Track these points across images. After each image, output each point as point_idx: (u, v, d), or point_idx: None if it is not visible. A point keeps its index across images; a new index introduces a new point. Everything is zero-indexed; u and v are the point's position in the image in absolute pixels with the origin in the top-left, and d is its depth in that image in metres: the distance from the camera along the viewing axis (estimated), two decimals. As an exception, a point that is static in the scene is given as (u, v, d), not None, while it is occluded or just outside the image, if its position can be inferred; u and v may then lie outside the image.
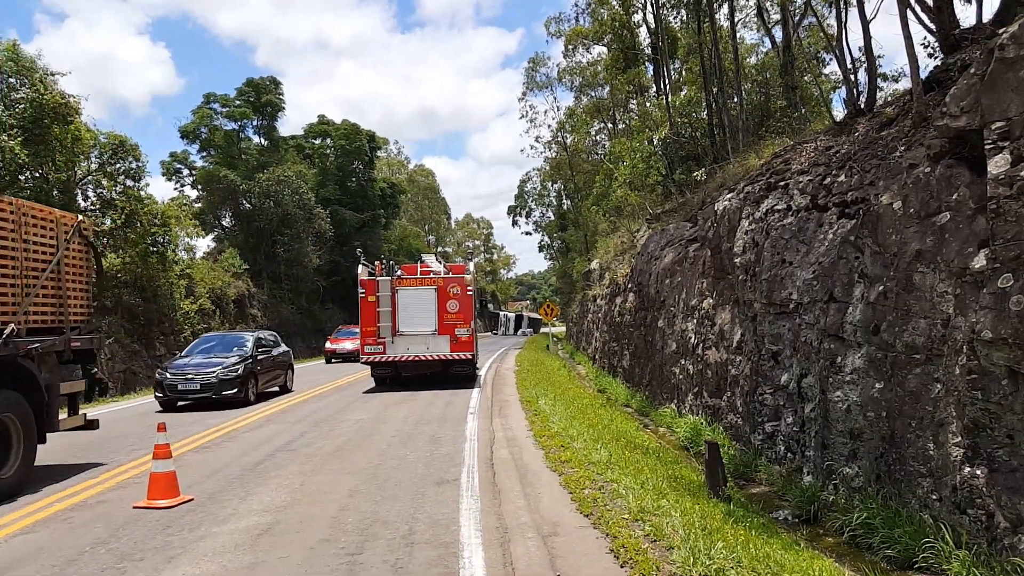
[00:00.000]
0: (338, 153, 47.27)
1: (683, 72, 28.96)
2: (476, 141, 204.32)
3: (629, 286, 20.81)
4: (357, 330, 25.68)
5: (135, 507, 6.97)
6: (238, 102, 42.65)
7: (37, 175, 19.41)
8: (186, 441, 10.85)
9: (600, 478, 7.71)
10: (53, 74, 19.94)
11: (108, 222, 22.96)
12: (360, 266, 17.62)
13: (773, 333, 10.40)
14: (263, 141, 45.22)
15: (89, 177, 22.37)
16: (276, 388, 17.44)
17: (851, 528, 7.32)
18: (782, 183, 11.22)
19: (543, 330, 69.00)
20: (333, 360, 29.36)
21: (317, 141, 48.87)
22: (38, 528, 6.46)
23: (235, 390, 14.89)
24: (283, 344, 18.76)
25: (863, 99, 11.06)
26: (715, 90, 22.33)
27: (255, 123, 44.40)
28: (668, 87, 27.17)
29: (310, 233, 38.92)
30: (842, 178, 9.36)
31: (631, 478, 7.68)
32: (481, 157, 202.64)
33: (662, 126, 22.04)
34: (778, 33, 23.15)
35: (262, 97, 43.00)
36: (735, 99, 22.20)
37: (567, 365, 27.96)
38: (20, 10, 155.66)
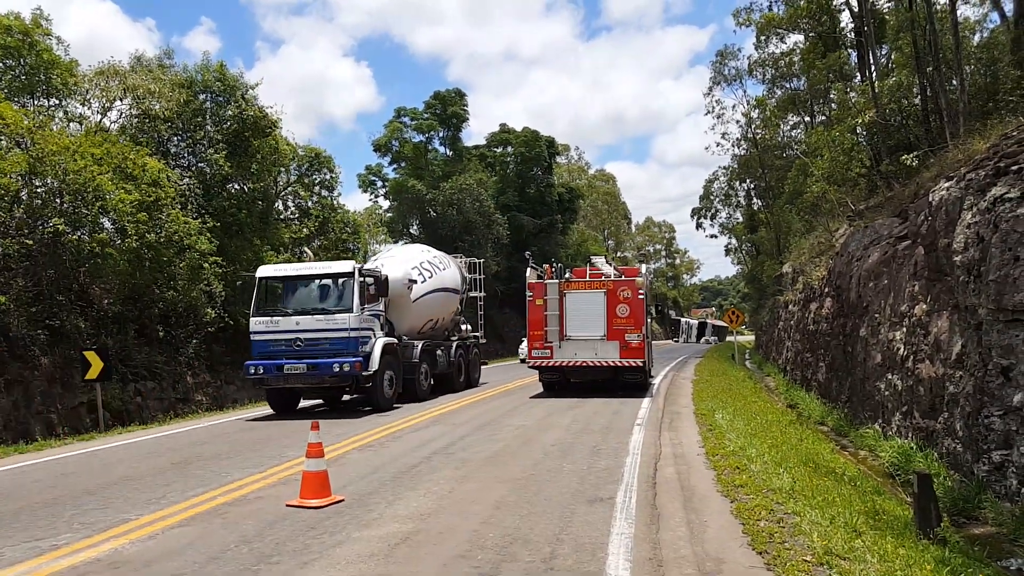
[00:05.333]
0: (518, 160, 48.05)
1: (891, 55, 25.88)
2: (662, 143, 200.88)
3: (826, 290, 18.71)
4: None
5: (287, 505, 6.99)
6: (426, 115, 44.77)
7: (238, 187, 21.31)
8: (354, 439, 11.07)
9: (780, 508, 6.60)
10: (252, 88, 21.85)
11: (305, 230, 24.83)
12: (529, 269, 17.34)
13: (1003, 344, 8.55)
14: (448, 151, 47.11)
15: (288, 188, 24.29)
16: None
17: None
18: (1015, 167, 9.26)
19: (728, 338, 65.71)
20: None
21: (498, 149, 50.04)
22: (194, 522, 6.61)
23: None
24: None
25: None
26: (929, 69, 19.53)
27: (441, 134, 46.37)
28: (874, 72, 24.37)
29: (489, 239, 39.77)
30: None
31: (818, 511, 6.49)
32: (666, 159, 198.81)
33: (867, 111, 19.60)
34: (1008, 5, 19.85)
35: (448, 109, 44.78)
36: (954, 81, 19.30)
37: (753, 376, 25.93)
38: (243, 39, 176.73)
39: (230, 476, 8.53)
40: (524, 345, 28.43)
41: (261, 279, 14.60)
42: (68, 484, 8.51)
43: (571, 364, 16.51)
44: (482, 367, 22.54)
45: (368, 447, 10.38)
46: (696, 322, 77.40)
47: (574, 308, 16.49)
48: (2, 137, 15.82)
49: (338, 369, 13.54)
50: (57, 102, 19.40)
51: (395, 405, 15.21)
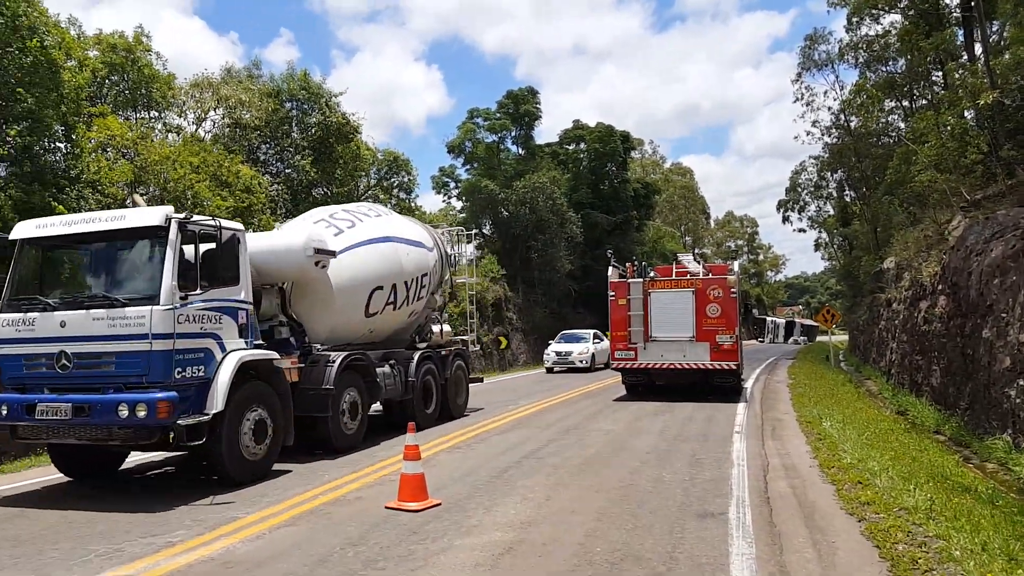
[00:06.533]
0: (591, 156, 47.28)
1: (1004, 31, 23.93)
2: (740, 134, 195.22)
3: (939, 288, 17.32)
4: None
5: (387, 507, 6.85)
6: (498, 115, 44.58)
7: (323, 191, 21.64)
8: (440, 440, 10.87)
9: (919, 531, 5.89)
10: (336, 96, 22.19)
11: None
12: (610, 268, 16.76)
13: None
14: (520, 150, 46.81)
15: (369, 191, 24.54)
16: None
17: None
18: None
19: (820, 338, 62.85)
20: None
21: (571, 146, 49.39)
22: (299, 521, 6.57)
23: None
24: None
25: None
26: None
27: (513, 133, 46.10)
28: (987, 51, 22.58)
29: (562, 238, 39.25)
30: None
31: (967, 536, 5.75)
32: (745, 151, 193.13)
33: (984, 92, 18.02)
34: None
35: (520, 107, 44.47)
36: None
37: (852, 380, 24.49)
38: (320, 48, 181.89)
39: (328, 475, 8.50)
40: (551, 349, 26.74)
41: (18, 243, 8.21)
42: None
43: (657, 367, 15.86)
44: (485, 380, 17.73)
45: (456, 448, 10.15)
46: (783, 321, 74.42)
47: (660, 308, 15.82)
48: (109, 149, 16.49)
49: (126, 414, 7.11)
50: (157, 114, 20.22)
51: (279, 468, 8.75)
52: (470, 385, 14.71)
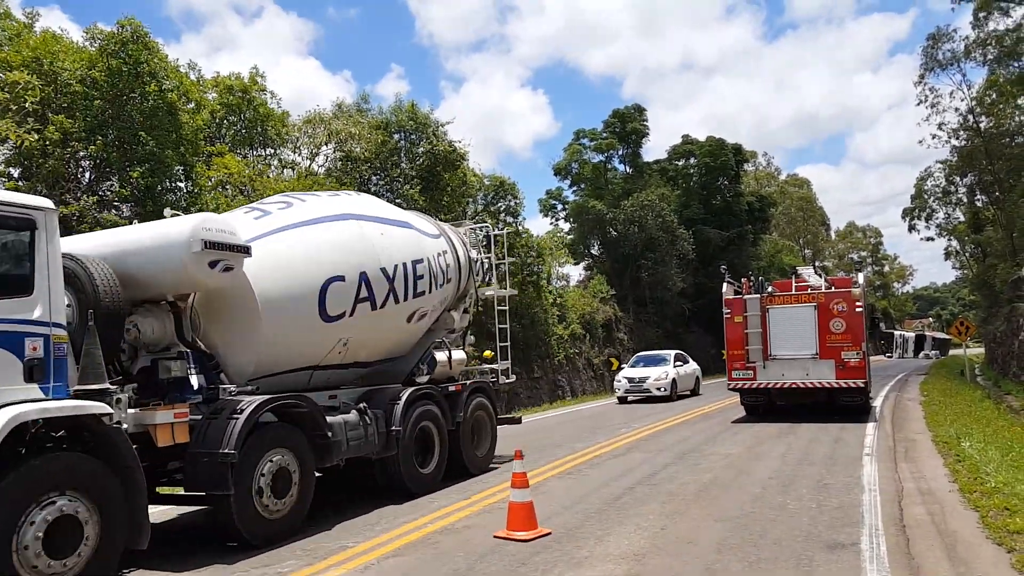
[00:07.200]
0: (702, 171, 46.29)
1: None
2: (859, 142, 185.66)
3: (1089, 294, 15.77)
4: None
5: (495, 536, 6.82)
6: (604, 134, 44.54)
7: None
8: (552, 465, 10.84)
9: (1079, 565, 5.35)
10: (443, 125, 22.80)
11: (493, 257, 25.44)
12: (725, 284, 16.28)
13: None
14: (627, 169, 46.48)
15: (476, 216, 25.07)
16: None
17: None
18: None
19: (953, 352, 58.32)
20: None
21: (680, 162, 48.57)
22: (407, 551, 6.62)
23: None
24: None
25: None
26: None
27: (620, 152, 45.90)
28: None
29: (673, 255, 38.49)
30: None
31: None
32: (865, 158, 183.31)
33: None
34: None
35: (627, 126, 44.26)
36: None
37: (991, 395, 22.52)
38: (429, 80, 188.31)
39: (437, 503, 8.59)
40: (622, 374, 22.75)
41: None
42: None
43: (778, 386, 15.20)
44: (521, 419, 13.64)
45: (567, 474, 10.07)
46: (913, 335, 69.73)
47: (779, 325, 15.20)
48: (228, 186, 17.55)
49: None
50: (272, 151, 21.43)
51: None
52: (500, 428, 11.43)
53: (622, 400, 22.42)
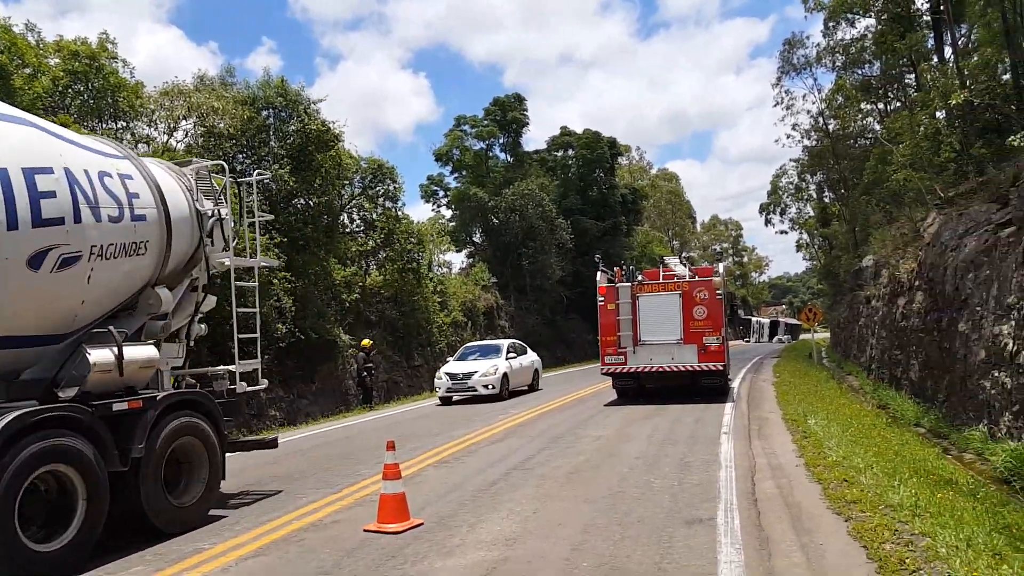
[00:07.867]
0: (579, 163, 47.48)
1: (971, 34, 24.37)
2: (723, 140, 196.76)
3: (916, 284, 17.50)
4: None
5: (365, 530, 6.68)
6: (486, 122, 44.68)
7: (303, 202, 21.40)
8: (430, 454, 10.79)
9: (905, 529, 5.92)
10: (316, 103, 21.91)
11: (371, 242, 24.89)
12: (599, 273, 16.79)
13: None
14: (508, 158, 46.89)
15: (352, 200, 24.39)
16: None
17: None
18: None
19: (803, 336, 63.40)
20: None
21: (559, 153, 49.58)
22: (270, 550, 6.35)
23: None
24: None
25: None
26: (1024, 43, 18.12)
27: (501, 141, 46.22)
28: (957, 52, 23.01)
29: (553, 244, 39.33)
30: None
31: (950, 531, 5.78)
32: (728, 156, 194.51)
33: (954, 92, 18.32)
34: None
35: (508, 115, 44.60)
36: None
37: (835, 376, 24.68)
38: (303, 57, 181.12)
39: (305, 498, 8.30)
40: (443, 370, 19.33)
41: None
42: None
43: (647, 370, 15.89)
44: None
45: (444, 463, 10.06)
46: (768, 321, 75.21)
47: (648, 312, 15.87)
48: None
49: None
50: (124, 124, 19.76)
51: None
52: (252, 452, 9.30)
53: (445, 401, 18.83)
